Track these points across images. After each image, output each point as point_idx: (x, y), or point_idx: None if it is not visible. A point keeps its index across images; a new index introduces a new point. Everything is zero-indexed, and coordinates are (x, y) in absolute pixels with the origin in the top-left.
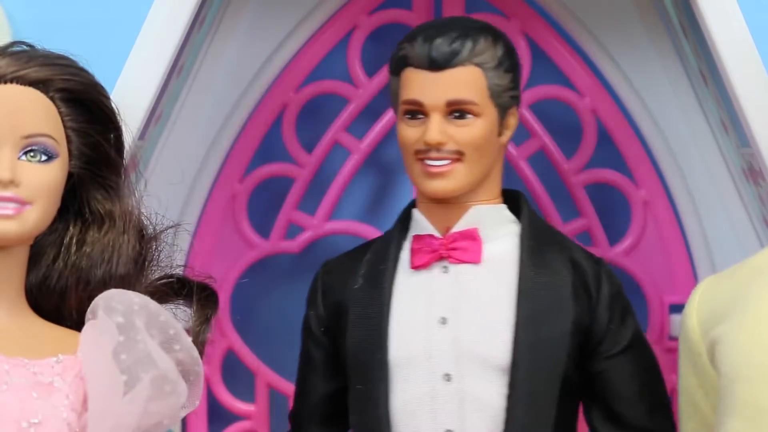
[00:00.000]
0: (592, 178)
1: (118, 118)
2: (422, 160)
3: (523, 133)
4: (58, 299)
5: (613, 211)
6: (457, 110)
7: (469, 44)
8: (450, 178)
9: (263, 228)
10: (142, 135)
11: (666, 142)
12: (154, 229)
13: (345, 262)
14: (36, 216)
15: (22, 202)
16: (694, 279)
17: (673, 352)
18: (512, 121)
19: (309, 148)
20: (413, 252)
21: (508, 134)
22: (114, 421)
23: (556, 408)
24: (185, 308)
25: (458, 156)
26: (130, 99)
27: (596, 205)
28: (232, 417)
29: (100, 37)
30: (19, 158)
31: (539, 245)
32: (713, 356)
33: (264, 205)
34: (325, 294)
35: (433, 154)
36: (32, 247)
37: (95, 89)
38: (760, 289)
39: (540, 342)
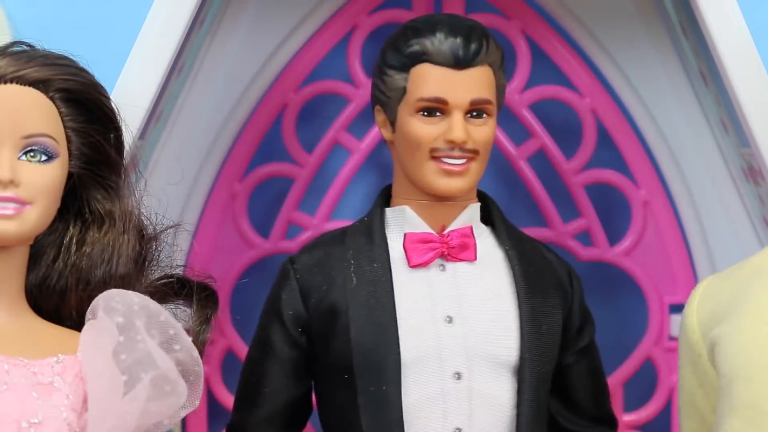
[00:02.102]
0: (592, 178)
1: (118, 118)
2: (438, 158)
3: (523, 133)
4: (58, 299)
5: (613, 211)
6: (476, 109)
7: (485, 44)
8: (465, 177)
9: (263, 228)
10: (142, 135)
11: (666, 142)
12: (154, 229)
13: (320, 259)
14: (36, 216)
15: (22, 202)
16: (694, 279)
17: (673, 352)
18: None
19: (309, 148)
20: (409, 250)
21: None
22: (114, 421)
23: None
24: (185, 308)
25: (473, 155)
26: (130, 99)
27: (596, 205)
28: None
29: (100, 37)
30: (19, 158)
31: (518, 244)
32: (713, 356)
33: (264, 205)
34: (306, 293)
35: (455, 153)
36: (32, 247)
37: (95, 89)
38: (759, 289)
39: (541, 337)
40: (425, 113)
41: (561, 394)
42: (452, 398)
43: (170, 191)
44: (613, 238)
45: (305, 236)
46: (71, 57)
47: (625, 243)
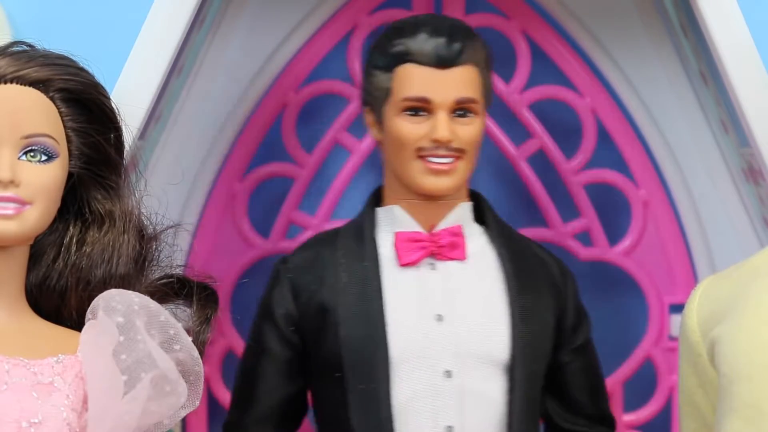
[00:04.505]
0: (592, 178)
1: (118, 118)
2: (424, 157)
3: (523, 133)
4: (59, 299)
5: (613, 211)
6: (461, 108)
7: (470, 43)
8: (452, 176)
9: (263, 228)
10: (142, 135)
11: (666, 142)
12: (154, 229)
13: (310, 259)
14: (36, 216)
15: (22, 202)
16: (694, 279)
17: (673, 352)
18: (485, 120)
19: (309, 148)
20: (399, 249)
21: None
22: (114, 421)
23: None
24: (185, 308)
25: (460, 154)
26: (130, 99)
27: (596, 205)
28: None
29: (100, 37)
30: (19, 158)
31: (509, 243)
32: (713, 356)
33: (264, 205)
34: (297, 292)
35: (441, 152)
36: (32, 247)
37: (95, 89)
38: (759, 289)
39: (532, 336)
40: (410, 113)
41: (557, 392)
42: (442, 396)
43: (170, 191)
44: (613, 238)
45: (305, 236)
46: (71, 57)
47: (625, 243)
